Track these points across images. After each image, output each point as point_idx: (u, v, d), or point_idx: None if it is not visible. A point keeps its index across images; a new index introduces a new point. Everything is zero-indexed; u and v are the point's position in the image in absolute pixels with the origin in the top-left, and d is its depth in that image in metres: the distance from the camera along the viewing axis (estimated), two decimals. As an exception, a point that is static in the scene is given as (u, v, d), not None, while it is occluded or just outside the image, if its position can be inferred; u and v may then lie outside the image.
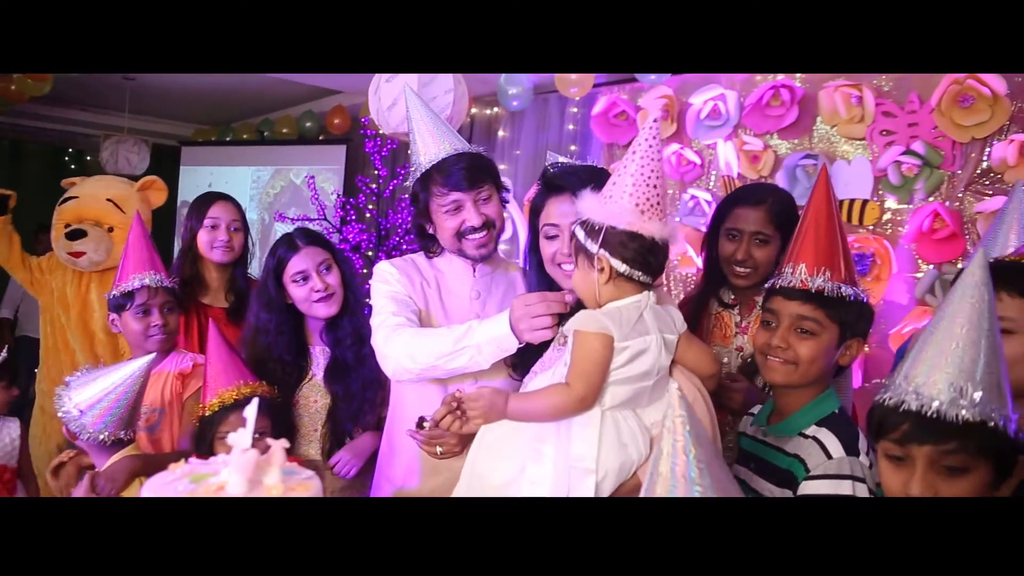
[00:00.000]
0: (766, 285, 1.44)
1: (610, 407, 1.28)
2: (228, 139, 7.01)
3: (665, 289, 3.91)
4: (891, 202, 3.16)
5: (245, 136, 6.84)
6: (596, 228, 1.27)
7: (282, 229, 4.73)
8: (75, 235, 2.86)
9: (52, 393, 1.96)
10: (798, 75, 3.45)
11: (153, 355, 1.83)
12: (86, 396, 1.74)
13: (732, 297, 1.92)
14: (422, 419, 1.51)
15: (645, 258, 1.27)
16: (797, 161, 3.37)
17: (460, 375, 1.65)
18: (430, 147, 1.70)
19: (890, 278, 3.07)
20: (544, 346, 1.53)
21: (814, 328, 1.35)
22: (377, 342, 1.66)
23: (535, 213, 1.58)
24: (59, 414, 1.73)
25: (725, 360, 1.90)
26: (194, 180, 6.36)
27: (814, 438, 1.33)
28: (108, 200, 2.96)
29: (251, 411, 1.20)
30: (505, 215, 1.83)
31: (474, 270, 1.78)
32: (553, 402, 1.28)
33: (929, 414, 0.99)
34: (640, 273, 1.28)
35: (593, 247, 1.27)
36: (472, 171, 1.67)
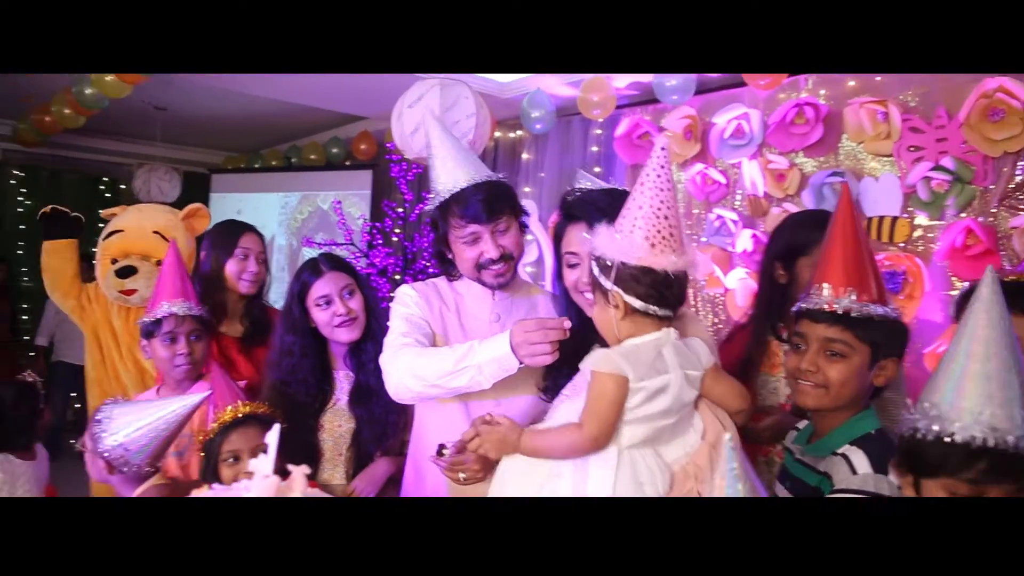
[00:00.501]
0: (793, 308, 1.42)
1: (628, 446, 1.26)
2: (257, 166, 7.14)
3: (693, 311, 3.89)
4: (922, 219, 3.10)
5: (273, 163, 6.96)
6: (608, 264, 1.25)
7: (310, 254, 4.78)
8: (126, 272, 2.72)
9: None
10: (822, 92, 3.43)
11: (207, 393, 1.83)
12: (129, 430, 1.73)
13: (781, 325, 1.87)
14: (442, 446, 1.50)
15: (660, 292, 1.24)
16: (824, 179, 3.33)
17: (486, 396, 1.64)
18: (449, 175, 1.69)
19: (923, 296, 3.01)
20: (574, 368, 1.53)
21: (843, 350, 1.31)
22: (383, 360, 1.68)
23: (558, 240, 1.58)
24: (100, 450, 1.73)
25: (773, 388, 1.86)
26: (224, 206, 6.47)
27: (843, 455, 1.30)
28: (155, 232, 2.83)
29: (273, 437, 1.20)
30: (530, 237, 1.82)
31: (493, 293, 1.78)
32: (565, 441, 1.26)
33: (1008, 451, 0.95)
34: (656, 308, 1.25)
35: (607, 283, 1.25)
36: (490, 202, 1.65)
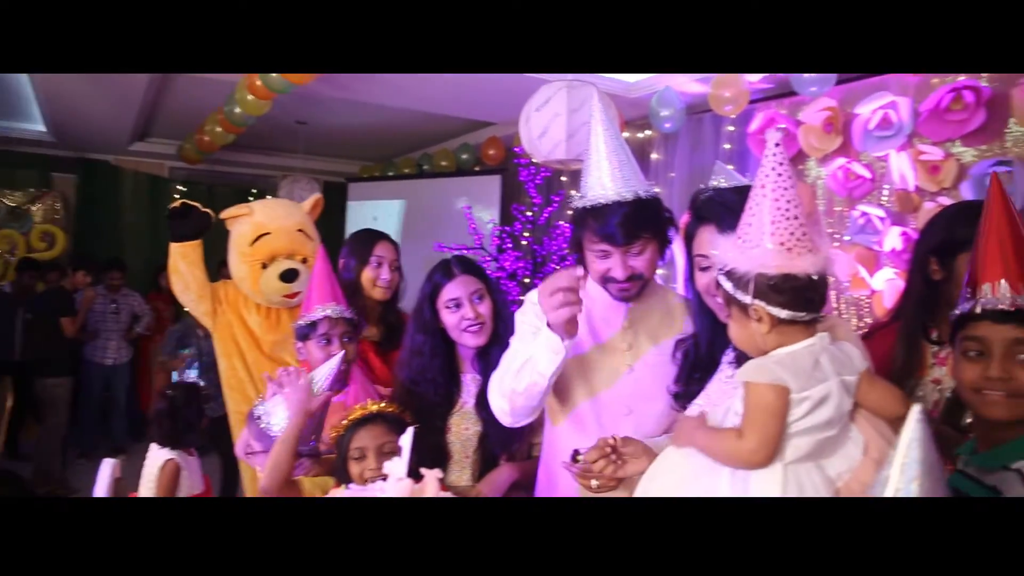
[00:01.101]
0: (956, 311, 1.28)
1: (792, 460, 1.17)
2: (390, 174, 7.41)
3: (836, 313, 3.67)
4: (1107, 210, 2.78)
5: (406, 170, 7.20)
6: (744, 279, 1.17)
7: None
8: (290, 276, 2.74)
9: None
10: (984, 74, 3.14)
11: (341, 354, 1.96)
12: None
13: (931, 326, 1.72)
14: (576, 452, 1.49)
15: (804, 297, 1.16)
16: (987, 168, 3.04)
17: (618, 404, 1.63)
18: (597, 183, 1.59)
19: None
20: (706, 374, 1.47)
21: None
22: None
23: (689, 240, 1.51)
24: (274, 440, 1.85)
25: (920, 394, 1.71)
26: (360, 214, 6.76)
27: (1017, 471, 1.16)
28: (299, 231, 2.85)
29: (407, 441, 1.22)
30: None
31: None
32: (724, 447, 1.19)
33: None
34: (803, 314, 1.17)
35: (745, 298, 1.17)
36: (628, 225, 1.55)
